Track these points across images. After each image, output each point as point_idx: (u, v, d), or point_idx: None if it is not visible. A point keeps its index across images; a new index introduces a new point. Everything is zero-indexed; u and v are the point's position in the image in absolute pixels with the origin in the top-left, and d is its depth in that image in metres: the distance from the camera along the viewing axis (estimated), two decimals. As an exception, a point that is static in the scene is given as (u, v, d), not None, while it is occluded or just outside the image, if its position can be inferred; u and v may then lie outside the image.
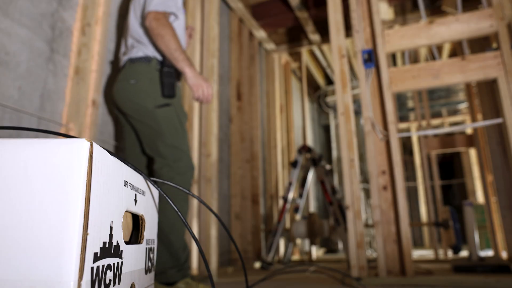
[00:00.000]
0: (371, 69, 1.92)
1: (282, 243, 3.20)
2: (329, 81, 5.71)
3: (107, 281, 0.53)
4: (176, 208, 0.63)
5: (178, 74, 1.60)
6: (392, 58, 4.89)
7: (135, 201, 0.65)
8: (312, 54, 4.83)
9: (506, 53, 1.67)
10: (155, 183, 0.69)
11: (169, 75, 1.52)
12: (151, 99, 1.49)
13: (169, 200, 0.63)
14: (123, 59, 1.58)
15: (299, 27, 3.72)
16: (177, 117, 1.52)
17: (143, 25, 1.55)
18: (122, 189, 0.60)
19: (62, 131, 1.44)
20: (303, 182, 2.97)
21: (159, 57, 1.56)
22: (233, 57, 3.25)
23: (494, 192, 2.73)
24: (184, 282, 1.38)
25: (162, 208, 1.36)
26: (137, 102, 1.48)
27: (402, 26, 2.85)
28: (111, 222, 0.56)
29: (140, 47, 1.55)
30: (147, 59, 1.53)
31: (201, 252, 0.60)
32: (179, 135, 1.51)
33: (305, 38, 3.80)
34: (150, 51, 1.55)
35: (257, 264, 2.85)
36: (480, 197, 4.96)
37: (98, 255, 0.51)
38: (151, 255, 0.75)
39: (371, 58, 1.90)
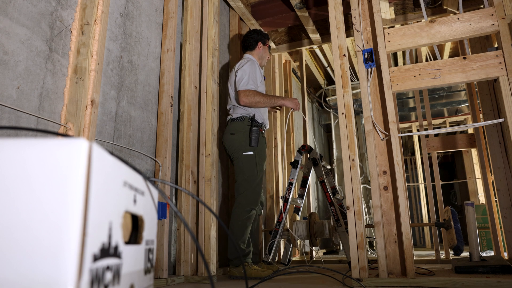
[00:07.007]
0: (372, 69, 1.92)
1: (282, 244, 3.19)
2: (330, 80, 5.70)
3: (106, 282, 0.53)
4: (177, 211, 0.63)
5: (260, 130, 2.36)
6: (393, 58, 4.88)
7: (134, 201, 0.65)
8: (313, 53, 4.82)
9: (507, 52, 1.66)
10: (153, 183, 0.69)
11: (255, 132, 2.31)
12: (242, 147, 2.30)
13: (171, 204, 0.63)
14: (228, 117, 2.47)
15: (299, 26, 3.71)
16: (255, 162, 2.29)
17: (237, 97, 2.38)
18: (121, 189, 0.60)
19: (61, 131, 1.43)
20: (303, 182, 2.96)
21: (248, 115, 2.36)
22: (233, 56, 3.25)
23: (495, 192, 2.72)
24: (246, 263, 2.18)
25: (232, 216, 2.25)
26: (234, 148, 2.33)
27: (403, 25, 2.84)
28: (110, 222, 0.55)
29: (237, 110, 2.40)
30: (241, 118, 2.37)
31: (200, 252, 0.59)
32: (254, 174, 2.29)
33: (306, 37, 3.79)
34: (242, 113, 2.38)
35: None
36: (482, 197, 4.95)
37: (97, 256, 0.50)
38: (150, 256, 0.74)
39: (372, 57, 1.90)
